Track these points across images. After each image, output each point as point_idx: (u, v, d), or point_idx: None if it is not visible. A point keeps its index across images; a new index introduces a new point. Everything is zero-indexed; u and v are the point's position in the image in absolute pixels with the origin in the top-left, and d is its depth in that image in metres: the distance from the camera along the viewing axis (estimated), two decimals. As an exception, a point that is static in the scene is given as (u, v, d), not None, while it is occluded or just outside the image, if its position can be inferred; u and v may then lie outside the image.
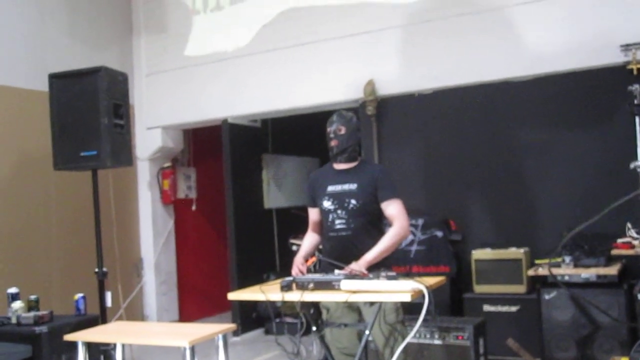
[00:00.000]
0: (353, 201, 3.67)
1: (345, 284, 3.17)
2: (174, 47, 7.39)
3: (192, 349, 3.22)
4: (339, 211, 3.70)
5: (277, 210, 7.94)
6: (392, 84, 6.10)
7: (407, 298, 3.02)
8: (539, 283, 5.09)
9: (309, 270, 3.65)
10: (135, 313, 7.16)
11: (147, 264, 7.57)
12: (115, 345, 3.74)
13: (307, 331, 3.69)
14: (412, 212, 3.69)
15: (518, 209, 5.68)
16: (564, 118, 5.48)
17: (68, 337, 3.57)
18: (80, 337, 3.57)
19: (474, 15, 5.78)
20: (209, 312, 8.05)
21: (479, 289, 5.43)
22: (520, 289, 5.28)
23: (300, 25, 6.61)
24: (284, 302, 5.61)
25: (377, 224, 3.74)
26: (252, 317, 7.13)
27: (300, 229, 5.10)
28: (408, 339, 3.26)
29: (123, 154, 4.64)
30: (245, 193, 7.40)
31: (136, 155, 7.26)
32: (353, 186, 3.70)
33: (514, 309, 5.28)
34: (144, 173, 7.63)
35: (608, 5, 5.22)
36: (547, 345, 4.99)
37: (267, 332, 7.20)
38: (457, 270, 5.63)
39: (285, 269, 3.56)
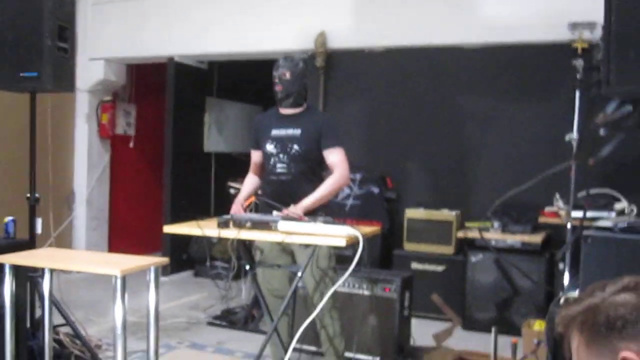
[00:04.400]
0: (296, 146, 3.69)
1: (282, 225, 3.21)
2: (124, -23, 7.16)
3: (124, 279, 3.20)
4: (280, 155, 3.72)
5: (216, 154, 7.90)
6: (343, 38, 6.09)
7: (342, 243, 3.09)
8: (467, 246, 5.26)
9: (247, 211, 3.68)
10: (64, 246, 7.02)
11: (79, 197, 7.43)
12: (43, 273, 3.68)
13: (237, 275, 3.72)
14: (351, 167, 3.74)
15: (454, 173, 5.83)
16: (508, 88, 5.62)
17: (-5, 258, 3.49)
18: (8, 259, 3.50)
19: (431, -22, 5.81)
20: (139, 251, 7.82)
21: (409, 246, 5.58)
22: (449, 249, 5.45)
23: (257, -31, 6.50)
24: (217, 246, 5.62)
25: (318, 171, 3.77)
26: (182, 259, 7.12)
27: (238, 174, 5.11)
28: (338, 284, 3.33)
29: (65, 79, 4.48)
30: (185, 134, 7.33)
31: (76, 86, 7.05)
32: (297, 131, 3.71)
33: (440, 268, 5.45)
34: (83, 105, 7.43)
35: (560, -17, 5.34)
36: (468, 306, 5.20)
37: (196, 274, 7.22)
38: (389, 228, 5.76)
39: (220, 214, 3.56)
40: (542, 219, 5.05)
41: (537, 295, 4.98)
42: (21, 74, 4.33)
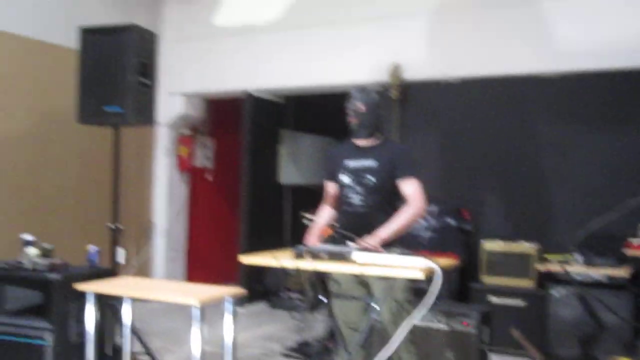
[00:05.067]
0: (371, 178, 3.67)
1: (358, 256, 3.19)
2: (203, 16, 7.40)
3: (202, 309, 3.25)
4: (356, 187, 3.71)
5: (291, 186, 7.97)
6: (418, 69, 6.09)
7: (418, 275, 3.04)
8: (547, 279, 5.09)
9: (323, 242, 3.67)
10: (144, 276, 7.22)
11: (158, 228, 7.62)
12: (124, 301, 3.77)
13: (313, 307, 3.70)
14: (427, 198, 3.70)
15: (532, 204, 5.69)
16: (587, 117, 5.48)
17: (79, 287, 3.60)
18: (91, 287, 3.61)
19: (506, 8, 5.77)
20: (215, 282, 7.99)
21: (487, 280, 5.44)
22: (528, 283, 5.29)
23: (331, 4, 6.61)
24: (292, 277, 5.64)
25: (394, 202, 3.74)
26: (257, 290, 7.17)
27: (312, 205, 5.12)
28: (416, 317, 3.27)
29: (146, 113, 4.66)
30: (261, 167, 7.43)
31: (157, 120, 7.29)
32: (372, 163, 3.70)
33: (520, 302, 5.29)
34: (163, 138, 7.68)
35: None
36: (550, 341, 5.00)
37: (272, 305, 7.24)
38: (466, 260, 5.65)
39: (294, 245, 3.57)
40: (628, 252, 4.84)
41: (623, 332, 4.76)
42: (105, 109, 4.52)
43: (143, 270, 7.26)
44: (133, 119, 4.50)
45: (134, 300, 3.79)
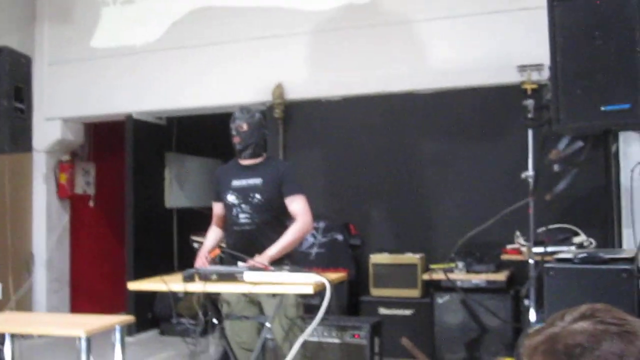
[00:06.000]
0: (257, 196, 3.71)
1: (248, 276, 3.20)
2: (79, 38, 7.18)
3: (88, 340, 3.13)
4: (243, 205, 3.73)
5: (178, 210, 7.84)
6: (300, 88, 6.19)
7: (309, 290, 3.08)
8: (433, 288, 5.29)
9: (212, 263, 3.66)
10: (25, 310, 6.85)
11: (38, 259, 7.26)
12: (3, 339, 3.59)
13: (204, 331, 3.68)
14: (313, 215, 3.77)
15: (416, 217, 5.88)
16: (463, 131, 5.74)
17: (-47, 326, 3.40)
18: (-33, 326, 3.42)
19: (383, 27, 5.97)
20: (102, 312, 7.70)
21: (376, 292, 5.57)
22: (415, 293, 5.46)
23: (211, 24, 6.59)
24: (182, 302, 5.56)
25: (282, 220, 3.79)
26: (147, 318, 6.99)
27: (201, 228, 5.08)
28: (307, 332, 3.30)
29: (22, 139, 4.46)
30: (146, 191, 7.27)
31: (33, 146, 6.99)
32: (258, 181, 3.74)
33: (408, 312, 5.44)
34: (40, 165, 7.34)
35: (507, 28, 5.53)
36: (438, 347, 5.19)
37: (162, 332, 7.09)
38: (355, 274, 5.75)
39: (184, 269, 3.53)
40: (504, 257, 5.11)
41: (505, 332, 5.01)
42: (-23, 137, 4.30)
43: (23, 304, 6.90)
44: (8, 146, 4.30)
45: (15, 337, 3.61)
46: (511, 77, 5.26)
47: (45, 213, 7.34)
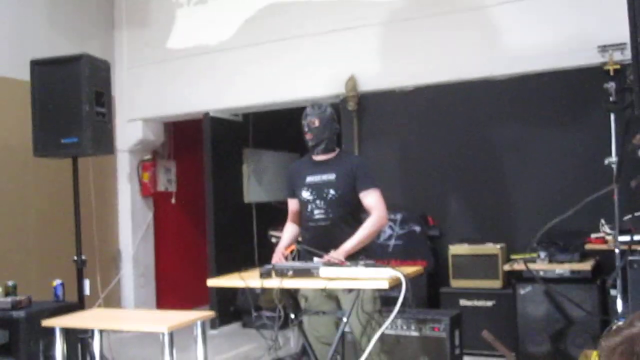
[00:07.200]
0: (332, 191, 3.70)
1: (324, 271, 3.21)
2: (156, 41, 7.38)
3: (171, 335, 3.23)
4: (317, 201, 3.74)
5: (256, 204, 7.96)
6: (373, 80, 6.15)
7: (384, 285, 3.07)
8: (514, 278, 5.16)
9: (289, 259, 3.69)
10: (113, 305, 7.13)
11: (125, 256, 7.55)
12: (92, 334, 3.74)
13: (285, 324, 3.72)
14: (390, 207, 3.75)
15: (495, 205, 5.76)
16: (541, 116, 5.57)
17: (46, 323, 3.56)
18: (58, 322, 3.57)
19: (454, 14, 5.85)
20: (186, 306, 7.97)
21: (456, 283, 5.50)
22: (496, 283, 5.35)
23: (283, 20, 6.64)
24: (263, 296, 5.64)
25: (356, 214, 3.77)
26: (229, 311, 7.14)
27: (279, 222, 5.13)
28: (385, 327, 3.29)
29: (104, 142, 4.63)
30: (225, 187, 7.41)
31: (116, 147, 7.24)
32: (332, 176, 3.74)
33: (489, 303, 5.35)
34: (124, 165, 7.62)
35: (586, 7, 5.32)
36: (521, 339, 5.06)
37: (245, 325, 7.22)
38: (434, 265, 5.70)
39: (264, 263, 3.57)
40: (589, 246, 4.93)
41: (592, 324, 4.83)
42: (62, 140, 4.49)
43: (112, 299, 7.18)
44: (91, 149, 4.47)
45: (104, 332, 3.75)
46: (591, 58, 5.07)
47: (130, 211, 7.60)
